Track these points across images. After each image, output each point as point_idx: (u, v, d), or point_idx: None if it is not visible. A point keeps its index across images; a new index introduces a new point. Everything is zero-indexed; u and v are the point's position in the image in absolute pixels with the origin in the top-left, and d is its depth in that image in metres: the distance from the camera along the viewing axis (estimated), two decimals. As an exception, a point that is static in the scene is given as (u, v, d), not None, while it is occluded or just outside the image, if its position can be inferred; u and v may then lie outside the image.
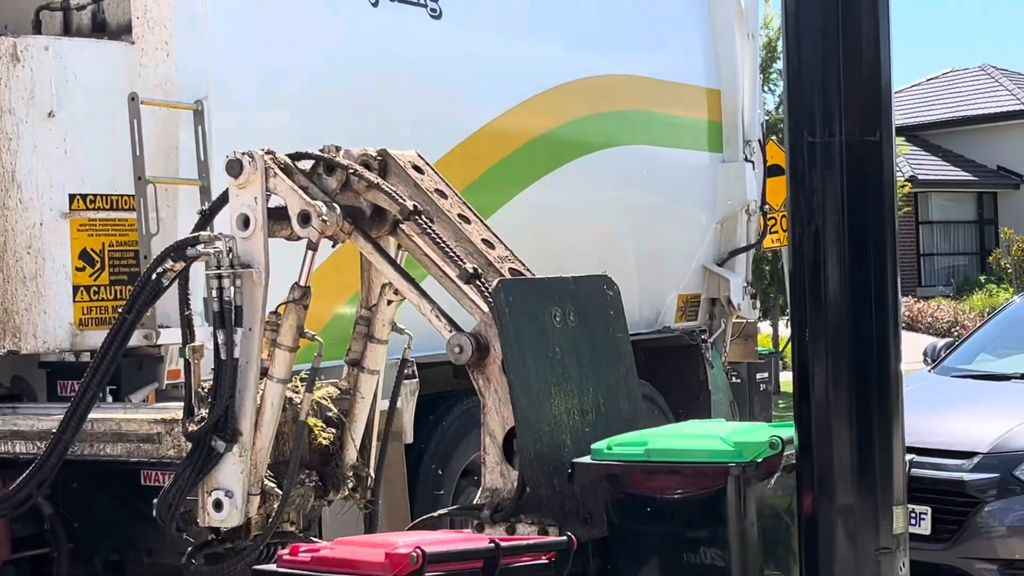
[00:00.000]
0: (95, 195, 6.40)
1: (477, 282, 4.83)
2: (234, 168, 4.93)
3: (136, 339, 6.19)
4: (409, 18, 7.76)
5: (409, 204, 4.96)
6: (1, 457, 6.09)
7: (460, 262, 4.90)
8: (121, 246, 6.51)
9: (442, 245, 4.94)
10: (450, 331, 4.77)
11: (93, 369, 5.03)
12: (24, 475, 5.11)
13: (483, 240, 5.09)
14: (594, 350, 4.95)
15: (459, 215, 5.15)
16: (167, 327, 6.42)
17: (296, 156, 5.06)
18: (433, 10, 7.88)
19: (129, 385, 6.46)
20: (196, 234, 5.03)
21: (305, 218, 4.89)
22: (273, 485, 4.95)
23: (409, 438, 7.00)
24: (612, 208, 9.25)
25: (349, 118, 7.34)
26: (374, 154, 5.20)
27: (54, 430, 5.11)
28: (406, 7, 7.74)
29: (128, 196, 6.47)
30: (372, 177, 5.04)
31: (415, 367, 6.96)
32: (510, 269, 5.01)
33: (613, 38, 9.28)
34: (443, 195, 5.21)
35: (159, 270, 5.02)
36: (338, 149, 5.13)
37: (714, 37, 10.10)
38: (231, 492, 4.86)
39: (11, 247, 6.32)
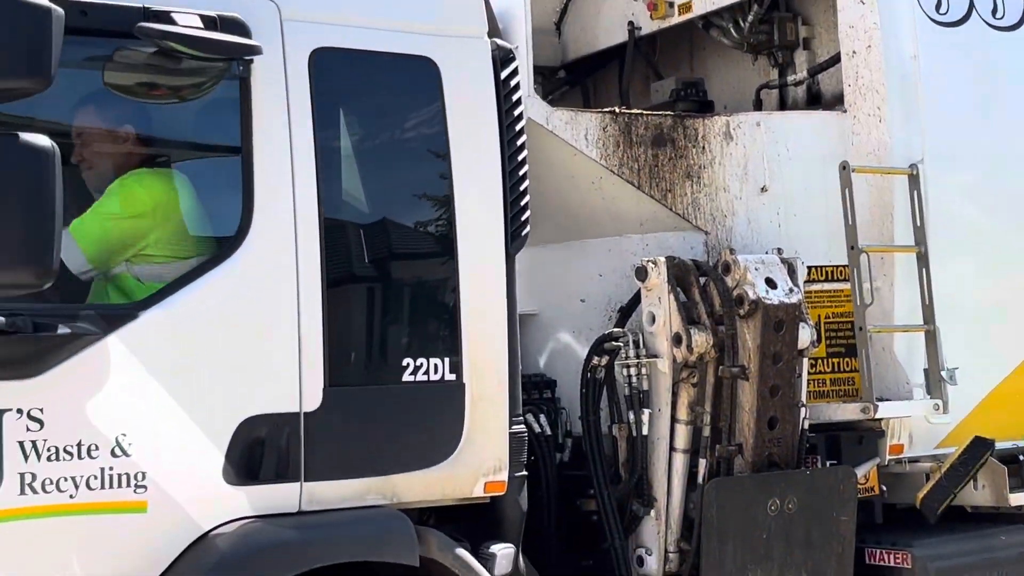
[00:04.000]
0: (809, 267, 6.33)
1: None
2: (641, 274, 5.85)
3: (853, 413, 6.08)
4: None
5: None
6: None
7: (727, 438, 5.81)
8: (838, 318, 6.39)
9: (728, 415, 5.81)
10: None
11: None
12: None
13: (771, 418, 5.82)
14: (809, 532, 5.85)
15: None
16: (886, 399, 6.24)
17: (697, 266, 5.90)
18: None
19: (850, 460, 6.30)
20: (610, 331, 5.88)
21: (677, 339, 5.75)
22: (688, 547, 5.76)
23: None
24: None
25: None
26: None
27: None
28: None
29: (843, 266, 6.36)
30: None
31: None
32: (767, 455, 5.81)
33: None
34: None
35: (590, 367, 5.86)
36: (733, 251, 5.92)
37: None
38: (650, 550, 5.78)
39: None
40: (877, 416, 6.11)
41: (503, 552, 5.17)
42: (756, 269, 5.84)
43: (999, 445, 6.48)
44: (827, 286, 6.39)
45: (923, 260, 6.26)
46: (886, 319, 6.35)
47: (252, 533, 4.60)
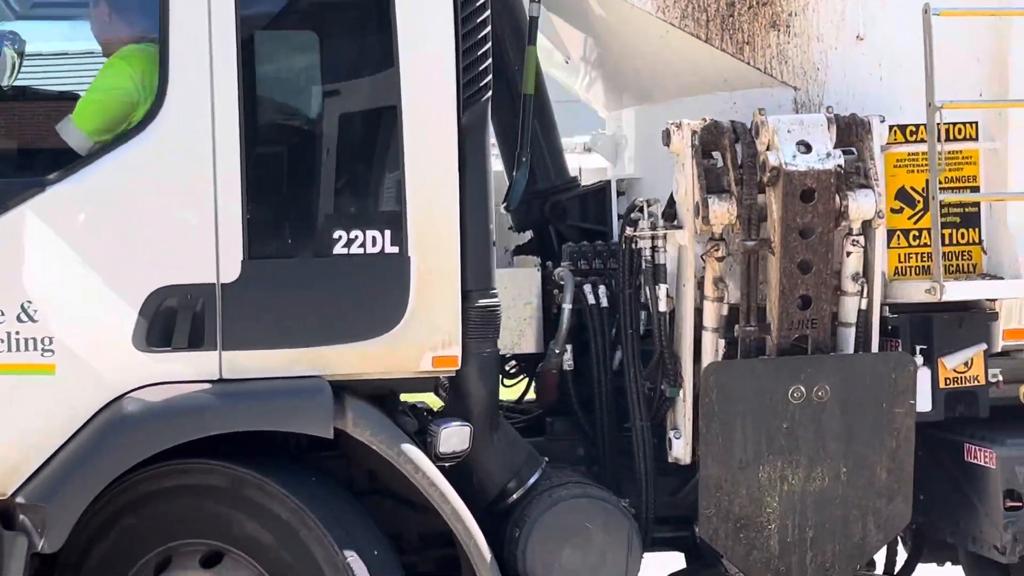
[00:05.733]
0: (917, 125, 5.55)
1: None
2: (664, 137, 5.34)
3: (918, 293, 5.36)
4: None
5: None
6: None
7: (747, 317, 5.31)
8: (951, 183, 5.57)
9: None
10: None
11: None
12: None
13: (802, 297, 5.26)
14: (850, 425, 5.24)
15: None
16: (997, 278, 5.44)
17: (735, 129, 5.28)
18: None
19: (947, 344, 5.51)
20: (634, 200, 5.54)
21: (697, 210, 5.19)
22: None
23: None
24: None
25: None
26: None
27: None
28: None
29: (959, 124, 5.54)
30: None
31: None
32: (797, 337, 5.27)
33: None
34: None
35: (624, 237, 5.49)
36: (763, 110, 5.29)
37: None
38: (679, 433, 5.43)
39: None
40: (945, 298, 5.31)
41: (448, 430, 5.06)
42: (789, 131, 5.21)
43: None
44: (941, 147, 5.55)
45: (1032, 115, 5.33)
46: (1000, 186, 5.48)
47: (155, 397, 4.82)
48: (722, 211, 5.22)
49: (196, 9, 4.84)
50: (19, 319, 4.78)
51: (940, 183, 5.52)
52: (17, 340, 4.78)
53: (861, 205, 5.27)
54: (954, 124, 5.56)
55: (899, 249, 5.59)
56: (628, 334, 5.55)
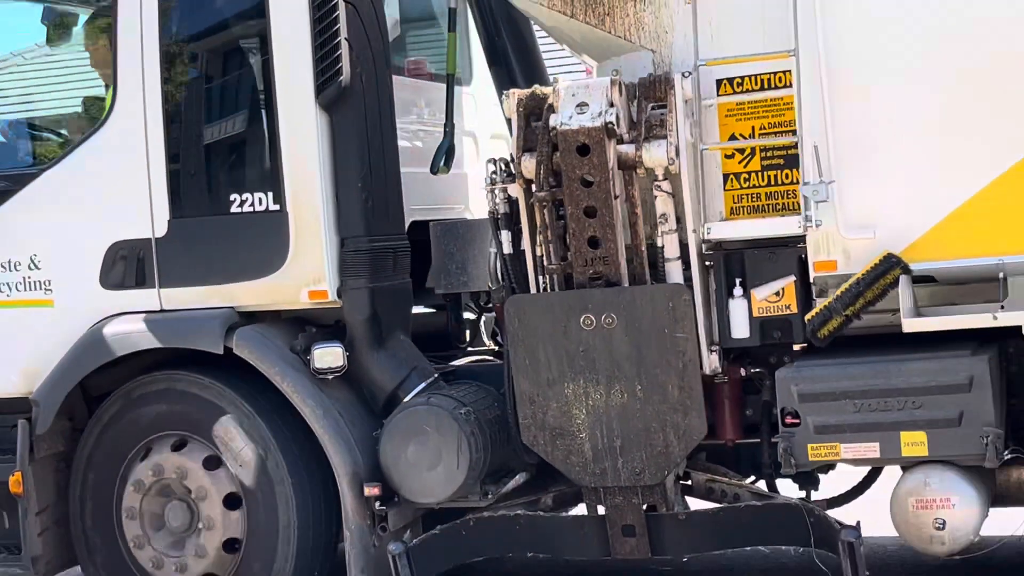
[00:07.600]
0: (742, 77, 6.08)
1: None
2: (503, 103, 6.25)
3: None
4: None
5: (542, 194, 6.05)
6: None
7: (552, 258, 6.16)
8: (775, 128, 6.06)
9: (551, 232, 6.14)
10: None
11: None
12: None
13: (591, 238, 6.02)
14: (639, 348, 5.99)
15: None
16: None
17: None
18: None
19: (763, 276, 6.01)
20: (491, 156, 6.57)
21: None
22: None
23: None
24: None
25: None
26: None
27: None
28: None
29: (781, 72, 6.02)
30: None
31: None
32: (592, 273, 6.04)
33: None
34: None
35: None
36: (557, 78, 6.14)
37: None
38: None
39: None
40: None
41: (321, 350, 6.40)
42: (573, 95, 5.99)
43: (971, 262, 5.70)
44: (763, 95, 6.08)
45: (796, 63, 5.75)
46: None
47: (108, 324, 6.61)
48: (531, 166, 6.13)
49: (133, 40, 6.56)
50: (30, 267, 6.75)
51: (765, 128, 6.10)
52: (29, 282, 6.77)
53: (653, 155, 5.98)
54: (774, 73, 6.06)
55: (733, 191, 6.17)
56: (504, 275, 6.53)
